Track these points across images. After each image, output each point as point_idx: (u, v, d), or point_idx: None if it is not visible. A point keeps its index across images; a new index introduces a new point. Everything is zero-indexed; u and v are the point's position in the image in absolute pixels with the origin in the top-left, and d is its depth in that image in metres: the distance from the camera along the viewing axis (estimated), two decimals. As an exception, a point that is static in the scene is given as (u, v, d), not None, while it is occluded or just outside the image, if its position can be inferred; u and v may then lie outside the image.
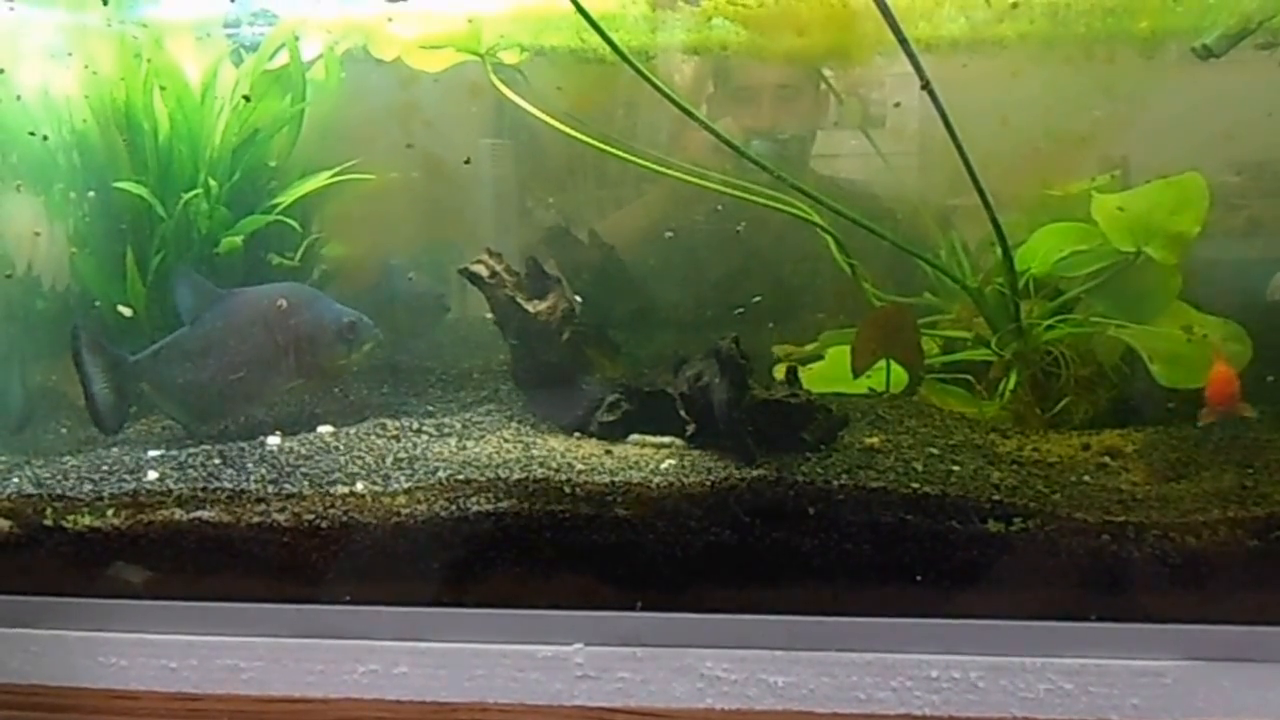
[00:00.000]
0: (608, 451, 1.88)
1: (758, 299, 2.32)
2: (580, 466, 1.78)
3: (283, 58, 2.31)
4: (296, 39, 2.29)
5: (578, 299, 2.10)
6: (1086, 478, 1.78)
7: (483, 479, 1.72)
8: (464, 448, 1.92)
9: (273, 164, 2.36)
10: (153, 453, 1.97)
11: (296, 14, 2.31)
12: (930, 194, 2.39)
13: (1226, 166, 2.24)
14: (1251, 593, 1.55)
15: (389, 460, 1.86)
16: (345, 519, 1.68)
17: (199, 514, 1.71)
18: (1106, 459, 1.87)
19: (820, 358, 2.29)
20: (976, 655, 1.54)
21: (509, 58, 2.32)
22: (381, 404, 2.25)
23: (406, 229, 2.61)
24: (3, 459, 2.04)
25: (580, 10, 1.94)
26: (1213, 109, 2.14)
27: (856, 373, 2.11)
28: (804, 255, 2.36)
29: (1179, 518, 1.59)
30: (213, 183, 2.25)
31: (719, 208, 2.31)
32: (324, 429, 2.03)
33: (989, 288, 2.16)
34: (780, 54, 2.31)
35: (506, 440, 1.95)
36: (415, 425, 2.04)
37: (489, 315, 2.14)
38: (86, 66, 2.23)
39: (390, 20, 2.30)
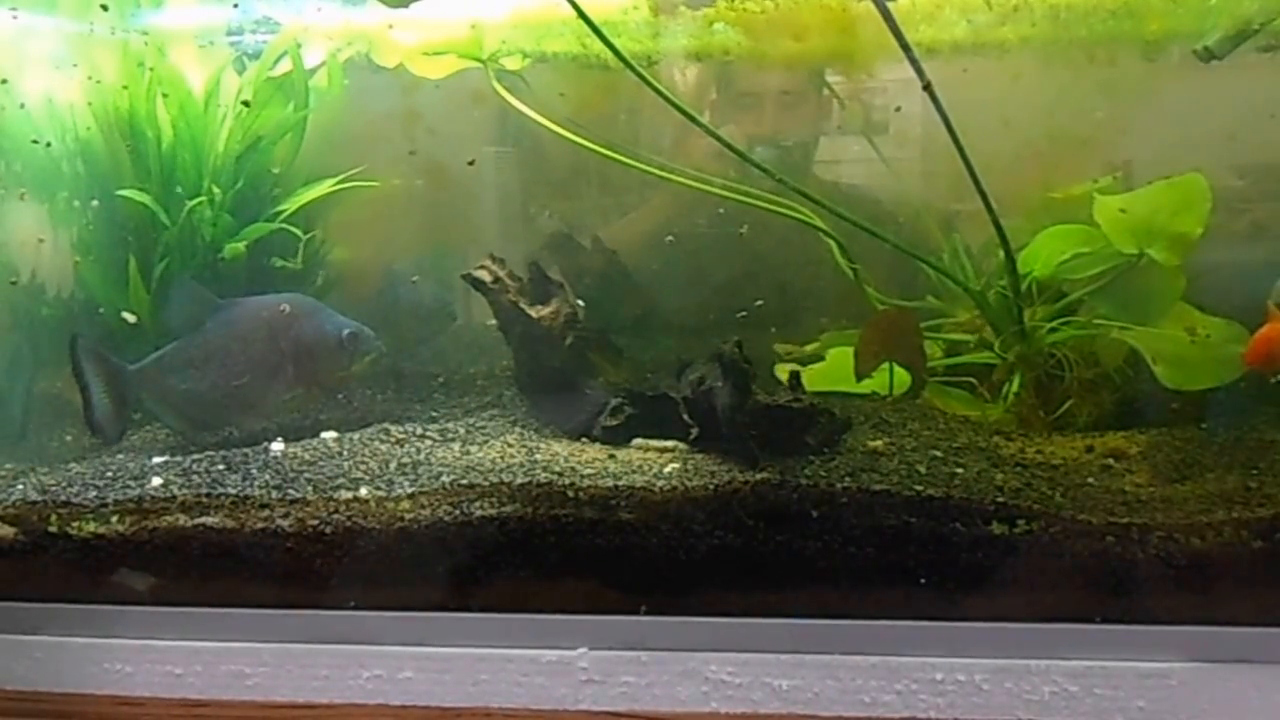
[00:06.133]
0: (611, 456, 1.88)
1: (760, 303, 2.32)
2: (584, 471, 1.79)
3: (285, 65, 2.31)
4: (299, 46, 2.30)
5: (581, 304, 2.10)
6: (1090, 480, 1.77)
7: (486, 484, 1.73)
8: (468, 453, 1.92)
9: (276, 171, 2.37)
10: (157, 459, 1.97)
11: (299, 21, 2.31)
12: (933, 198, 2.39)
13: (1229, 170, 2.24)
14: (1257, 594, 1.54)
15: (393, 465, 1.86)
16: (349, 524, 1.68)
17: (203, 520, 1.71)
18: (1110, 461, 1.86)
19: (821, 358, 2.28)
20: (981, 658, 1.54)
21: (511, 64, 2.32)
22: (385, 409, 2.25)
23: (410, 235, 2.61)
24: (7, 466, 2.05)
25: (582, 16, 1.94)
26: (1215, 112, 2.14)
27: (860, 376, 2.11)
28: (807, 260, 2.36)
29: (1184, 519, 1.59)
30: (216, 190, 2.25)
31: (721, 212, 2.31)
32: (328, 434, 2.03)
33: (992, 291, 2.16)
34: (782, 59, 2.31)
35: (510, 445, 1.95)
36: (419, 430, 2.05)
37: (492, 321, 2.15)
38: (90, 76, 2.24)
39: (392, 27, 2.30)
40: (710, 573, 1.63)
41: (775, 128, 2.47)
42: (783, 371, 2.08)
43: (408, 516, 1.68)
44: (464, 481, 1.74)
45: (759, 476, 1.68)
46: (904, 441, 1.89)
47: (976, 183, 1.87)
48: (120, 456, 2.04)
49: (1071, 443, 1.96)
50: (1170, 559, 1.54)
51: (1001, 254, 2.01)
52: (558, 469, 1.79)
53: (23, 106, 2.23)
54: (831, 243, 2.24)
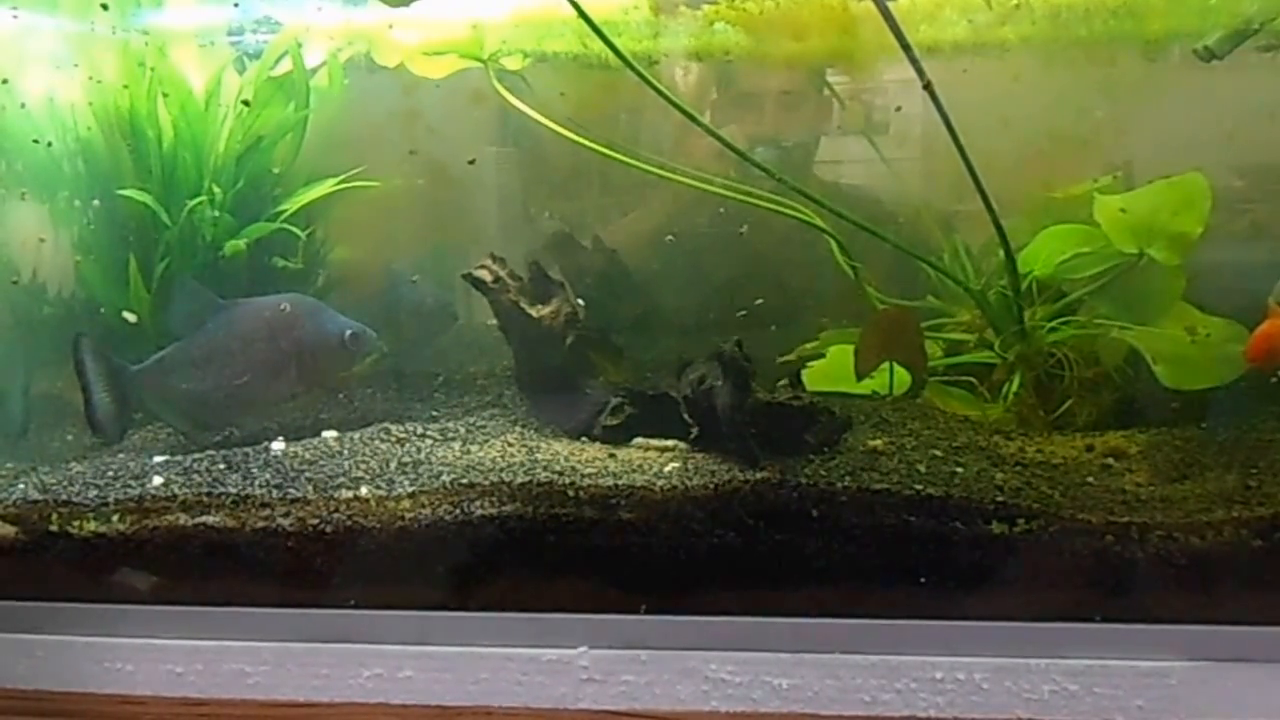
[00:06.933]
0: (611, 455, 1.88)
1: (760, 302, 2.32)
2: (584, 470, 1.79)
3: (286, 65, 2.31)
4: (300, 46, 2.30)
5: (581, 303, 2.11)
6: (1090, 479, 1.77)
7: (487, 483, 1.73)
8: (468, 452, 1.92)
9: (277, 171, 2.37)
10: (158, 458, 1.97)
11: (299, 21, 2.31)
12: (933, 198, 2.39)
13: (1230, 170, 2.24)
14: (1256, 593, 1.54)
15: (393, 465, 1.86)
16: (350, 523, 1.68)
17: (204, 519, 1.72)
18: (1110, 460, 1.87)
19: (821, 355, 2.28)
20: (981, 657, 1.54)
21: (511, 64, 2.32)
22: (386, 409, 2.25)
23: (410, 235, 2.61)
24: (8, 465, 2.05)
25: (583, 15, 1.94)
26: (1215, 112, 2.14)
27: (860, 375, 2.11)
28: (807, 260, 2.36)
29: (1183, 518, 1.59)
30: (217, 190, 2.25)
31: (722, 212, 2.31)
32: (328, 434, 2.04)
33: (992, 290, 2.16)
34: (783, 59, 2.31)
35: (510, 444, 1.95)
36: (419, 430, 2.05)
37: (492, 321, 2.15)
38: (91, 75, 2.24)
39: (392, 27, 2.30)
40: (710, 572, 1.63)
41: (776, 127, 2.47)
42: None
43: (408, 516, 1.68)
44: (464, 481, 1.74)
45: (759, 476, 1.68)
46: (904, 441, 1.89)
47: (977, 182, 1.88)
48: (121, 456, 2.04)
49: (1071, 442, 1.96)
50: (1170, 558, 1.54)
51: (1002, 253, 2.01)
52: (558, 468, 1.80)
53: (23, 106, 2.23)
54: (832, 242, 2.24)
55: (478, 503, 1.69)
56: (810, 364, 2.24)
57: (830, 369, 2.24)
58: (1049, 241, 2.16)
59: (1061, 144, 2.27)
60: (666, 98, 2.03)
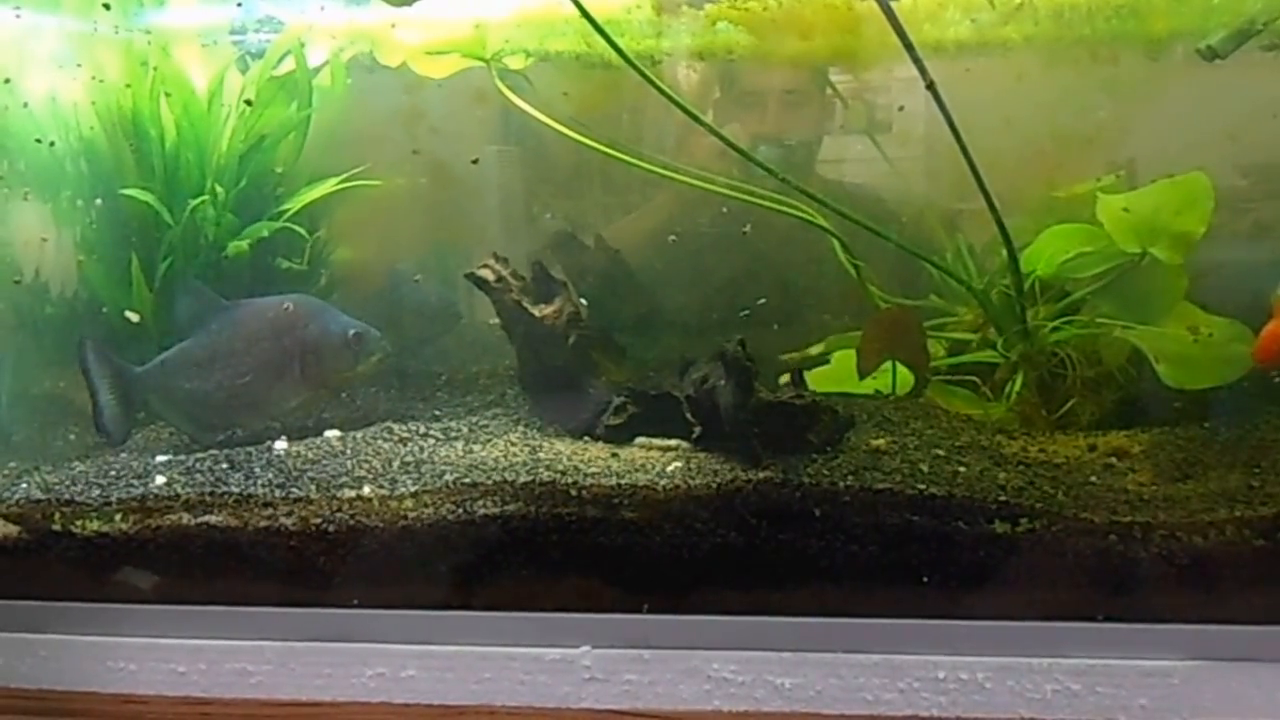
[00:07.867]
0: (614, 454, 1.88)
1: (763, 302, 2.32)
2: (587, 470, 1.79)
3: (289, 64, 2.32)
4: (302, 45, 2.30)
5: (584, 303, 2.11)
6: (1093, 478, 1.77)
7: (489, 482, 1.73)
8: (471, 451, 1.92)
9: (279, 170, 2.37)
10: (160, 458, 1.97)
11: (302, 20, 2.31)
12: (936, 197, 2.39)
13: (1232, 169, 2.24)
14: (1259, 592, 1.54)
15: (396, 464, 1.86)
16: (352, 523, 1.68)
17: (207, 518, 1.72)
18: (1113, 460, 1.86)
19: (826, 360, 2.28)
20: (984, 656, 1.54)
21: (514, 63, 2.32)
22: (388, 408, 2.25)
23: (413, 235, 2.61)
24: (11, 465, 2.06)
25: (585, 15, 1.94)
26: (1218, 111, 2.14)
27: (862, 375, 2.11)
28: (810, 259, 2.36)
29: (1186, 518, 1.59)
30: (219, 189, 2.25)
31: (725, 211, 2.31)
32: (331, 433, 2.04)
33: (995, 290, 2.16)
34: (786, 58, 2.31)
35: (513, 444, 1.96)
36: (422, 429, 2.05)
37: (495, 320, 2.15)
38: (94, 75, 2.24)
39: (395, 26, 2.30)
40: (713, 571, 1.63)
41: (778, 127, 2.47)
42: (786, 378, 2.09)
43: (411, 515, 1.68)
44: (467, 480, 1.74)
45: (762, 475, 1.68)
46: (907, 440, 1.89)
47: (979, 182, 1.87)
48: (124, 455, 2.05)
49: (1074, 441, 1.96)
50: (1172, 557, 1.54)
51: (1004, 253, 2.01)
52: (560, 468, 1.80)
53: (26, 105, 2.23)
54: (835, 241, 2.24)
55: (480, 502, 1.69)
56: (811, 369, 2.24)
57: (833, 368, 2.24)
58: (1052, 241, 2.16)
59: (1064, 143, 2.27)
60: (669, 97, 2.03)
